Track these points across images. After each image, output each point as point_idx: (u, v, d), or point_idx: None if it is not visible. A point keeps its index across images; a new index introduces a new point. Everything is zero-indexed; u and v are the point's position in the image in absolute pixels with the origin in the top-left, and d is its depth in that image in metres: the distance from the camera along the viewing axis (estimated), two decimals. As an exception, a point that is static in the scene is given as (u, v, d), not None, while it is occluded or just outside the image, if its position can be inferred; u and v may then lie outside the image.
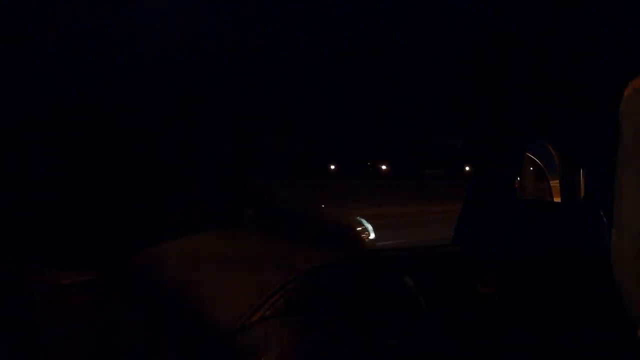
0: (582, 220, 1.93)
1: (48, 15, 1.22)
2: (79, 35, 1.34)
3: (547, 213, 2.02)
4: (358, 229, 5.70)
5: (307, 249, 1.46)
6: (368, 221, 6.42)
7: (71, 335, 1.19)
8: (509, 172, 2.28)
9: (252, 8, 1.28)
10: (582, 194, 2.66)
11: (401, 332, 1.23)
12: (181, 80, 1.61)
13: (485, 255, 2.14)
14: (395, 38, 1.46)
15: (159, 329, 1.15)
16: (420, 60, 1.65)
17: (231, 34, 1.41)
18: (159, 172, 1.77)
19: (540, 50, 1.56)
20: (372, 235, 6.34)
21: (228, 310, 1.07)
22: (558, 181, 2.84)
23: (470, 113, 2.29)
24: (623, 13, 1.34)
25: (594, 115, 2.17)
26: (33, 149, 1.55)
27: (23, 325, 1.24)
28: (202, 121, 1.84)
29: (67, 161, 1.60)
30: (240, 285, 1.16)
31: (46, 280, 1.34)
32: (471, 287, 1.89)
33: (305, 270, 1.22)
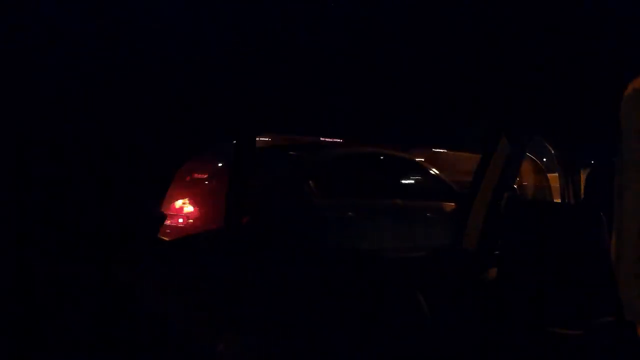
0: (582, 221, 1.93)
1: (45, 14, 1.22)
2: (78, 35, 1.34)
3: (547, 213, 2.02)
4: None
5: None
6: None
7: (72, 333, 1.19)
8: (509, 172, 2.28)
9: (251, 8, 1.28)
10: (582, 194, 2.65)
11: (401, 332, 1.23)
12: (181, 79, 1.61)
13: (485, 255, 2.14)
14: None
15: (158, 328, 1.15)
16: (419, 59, 1.65)
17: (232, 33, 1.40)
18: (159, 170, 1.77)
19: (541, 50, 1.56)
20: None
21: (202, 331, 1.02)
22: (558, 181, 2.85)
23: (470, 113, 2.29)
24: (623, 13, 1.34)
25: (594, 115, 2.17)
26: (33, 148, 1.55)
27: (24, 324, 1.24)
28: (202, 121, 1.84)
29: (67, 159, 1.60)
30: (215, 304, 1.10)
31: (46, 277, 1.33)
32: (471, 287, 1.89)
33: (300, 275, 1.20)
